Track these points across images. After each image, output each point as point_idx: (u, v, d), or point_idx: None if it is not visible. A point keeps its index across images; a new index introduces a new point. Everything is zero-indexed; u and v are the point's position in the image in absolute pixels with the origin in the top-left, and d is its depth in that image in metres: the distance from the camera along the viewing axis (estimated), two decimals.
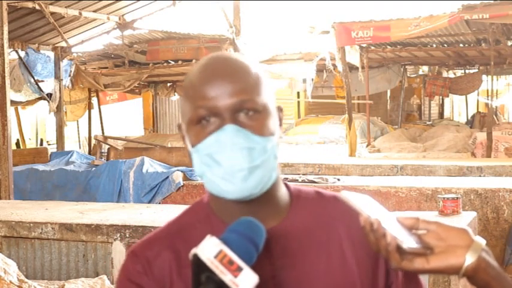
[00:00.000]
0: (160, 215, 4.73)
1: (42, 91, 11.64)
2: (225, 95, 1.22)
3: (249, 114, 1.23)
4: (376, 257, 1.27)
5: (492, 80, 12.97)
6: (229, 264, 1.05)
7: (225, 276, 1.04)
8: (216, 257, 1.05)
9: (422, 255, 1.13)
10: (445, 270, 1.13)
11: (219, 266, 1.04)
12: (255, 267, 1.21)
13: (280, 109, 1.32)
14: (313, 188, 1.38)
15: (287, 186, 1.34)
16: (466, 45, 12.65)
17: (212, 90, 1.22)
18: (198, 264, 1.06)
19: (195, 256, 1.06)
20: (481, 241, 1.14)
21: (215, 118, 1.22)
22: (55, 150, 11.59)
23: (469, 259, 1.11)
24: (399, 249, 1.12)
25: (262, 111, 1.25)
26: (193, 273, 1.07)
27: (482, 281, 1.13)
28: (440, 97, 17.25)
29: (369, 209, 1.15)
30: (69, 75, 12.53)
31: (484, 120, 15.22)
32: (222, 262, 1.05)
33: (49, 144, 15.97)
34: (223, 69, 1.25)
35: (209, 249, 1.06)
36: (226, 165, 1.20)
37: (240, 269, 1.05)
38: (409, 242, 1.12)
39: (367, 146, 11.94)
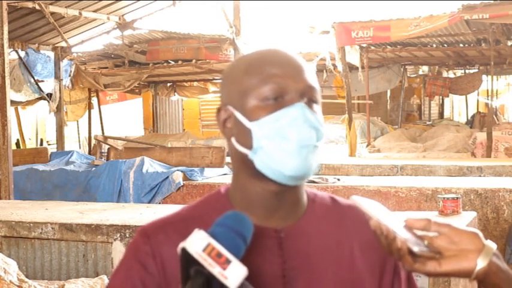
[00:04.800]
0: (160, 215, 4.71)
1: (42, 91, 11.65)
2: (296, 76, 1.25)
3: (311, 103, 1.25)
4: (384, 263, 1.30)
5: (492, 80, 12.94)
6: (218, 257, 1.05)
7: (214, 268, 1.04)
8: (204, 250, 1.06)
9: (433, 258, 1.14)
10: (457, 274, 1.14)
11: (208, 259, 1.05)
12: (266, 264, 1.23)
13: None
14: (328, 194, 1.39)
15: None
16: (466, 45, 12.64)
17: (283, 69, 1.24)
18: (187, 258, 1.06)
19: (184, 250, 1.07)
20: (492, 245, 1.15)
21: (284, 96, 1.23)
22: (55, 150, 11.58)
23: (481, 263, 1.13)
24: (411, 252, 1.13)
25: (319, 105, 1.28)
26: (182, 267, 1.07)
27: (493, 285, 1.15)
28: (440, 97, 17.24)
29: (379, 213, 1.17)
30: (69, 75, 12.54)
31: (484, 120, 15.20)
32: (210, 255, 1.05)
33: (49, 144, 15.98)
34: (290, 57, 1.28)
35: (197, 242, 1.07)
36: (295, 139, 1.20)
37: (228, 261, 1.05)
38: (419, 246, 1.13)
39: (367, 146, 11.93)
